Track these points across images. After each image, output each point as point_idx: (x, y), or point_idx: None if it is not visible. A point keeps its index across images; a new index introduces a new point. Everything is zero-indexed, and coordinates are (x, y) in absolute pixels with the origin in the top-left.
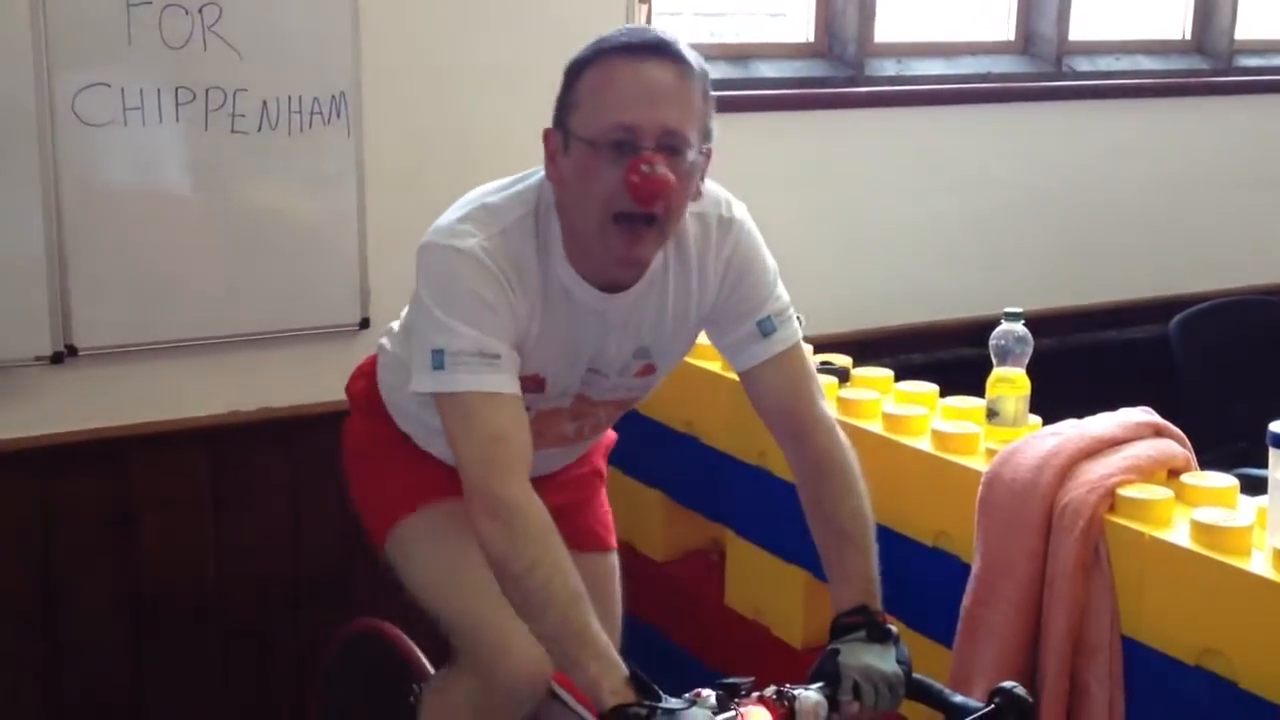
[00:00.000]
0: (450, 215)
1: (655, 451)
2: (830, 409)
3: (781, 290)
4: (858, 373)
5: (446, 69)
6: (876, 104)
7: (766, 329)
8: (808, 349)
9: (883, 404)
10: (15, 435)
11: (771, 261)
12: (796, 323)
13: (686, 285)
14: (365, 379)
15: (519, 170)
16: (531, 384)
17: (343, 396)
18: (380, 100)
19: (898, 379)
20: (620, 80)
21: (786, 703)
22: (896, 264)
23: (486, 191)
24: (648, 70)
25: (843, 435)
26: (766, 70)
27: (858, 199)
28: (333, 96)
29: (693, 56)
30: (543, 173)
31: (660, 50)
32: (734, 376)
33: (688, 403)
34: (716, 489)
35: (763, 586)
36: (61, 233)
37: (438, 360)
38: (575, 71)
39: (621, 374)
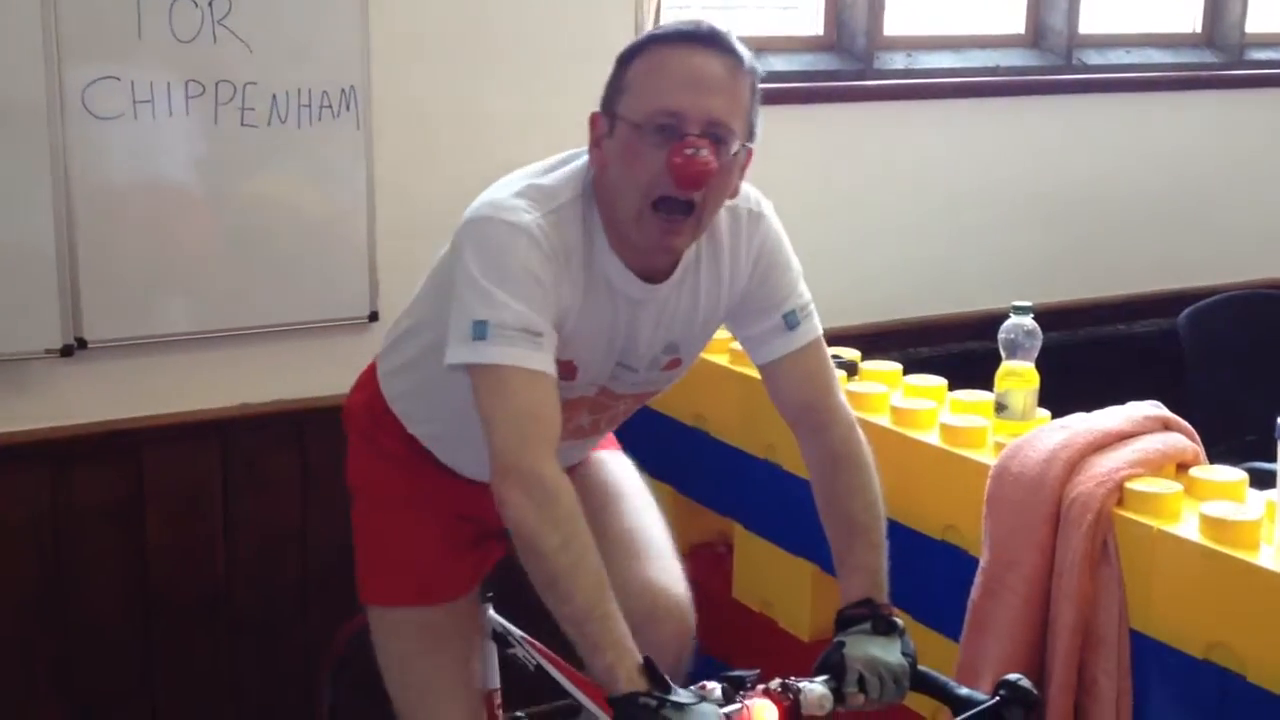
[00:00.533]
0: (501, 191)
1: (664, 445)
2: (847, 403)
3: (804, 288)
4: (866, 366)
5: (456, 62)
6: (886, 97)
7: (791, 322)
8: None
9: (891, 397)
10: (26, 428)
11: (795, 260)
12: (818, 319)
13: (718, 277)
14: (361, 392)
15: (529, 162)
16: (563, 371)
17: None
18: (390, 93)
19: (906, 372)
20: (670, 66)
21: (792, 695)
22: (905, 257)
23: (534, 172)
24: (699, 59)
25: (859, 430)
26: (776, 63)
27: (867, 192)
28: (342, 90)
29: (745, 52)
30: (585, 157)
31: (713, 41)
32: (743, 370)
33: (697, 397)
34: (725, 483)
35: (770, 579)
36: (72, 226)
37: (480, 330)
38: (627, 57)
39: (650, 368)
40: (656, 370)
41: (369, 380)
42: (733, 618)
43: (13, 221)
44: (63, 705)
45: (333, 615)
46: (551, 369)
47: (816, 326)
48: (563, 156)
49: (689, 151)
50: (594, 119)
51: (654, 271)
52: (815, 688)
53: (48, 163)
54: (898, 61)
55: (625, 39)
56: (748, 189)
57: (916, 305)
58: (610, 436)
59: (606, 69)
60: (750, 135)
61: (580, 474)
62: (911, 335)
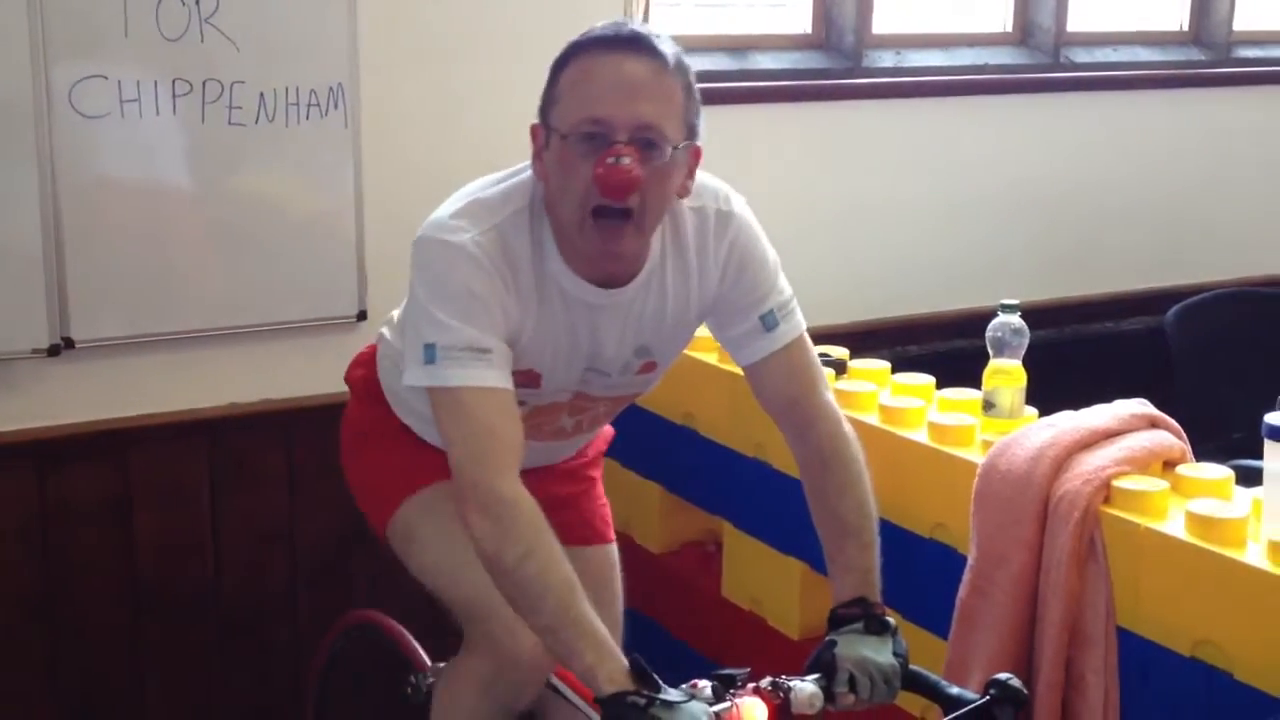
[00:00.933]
0: (444, 210)
1: (653, 443)
2: (834, 400)
3: (784, 283)
4: (854, 364)
5: (444, 60)
6: (874, 95)
7: (769, 323)
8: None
9: (879, 396)
10: (13, 428)
11: (773, 254)
12: (799, 315)
13: (685, 279)
14: (364, 368)
15: (517, 162)
16: (526, 379)
17: (342, 388)
18: (378, 91)
19: (894, 371)
20: (595, 74)
21: (782, 694)
22: (893, 255)
23: (480, 186)
24: (623, 64)
25: (848, 426)
26: (764, 61)
27: (854, 190)
28: (330, 88)
29: (671, 51)
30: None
31: (635, 44)
32: (732, 369)
33: (686, 395)
34: (714, 481)
35: (760, 578)
36: (59, 225)
37: (429, 354)
38: (557, 67)
39: (623, 372)
40: (631, 374)
41: (369, 360)
42: (722, 616)
43: (0, 221)
44: (53, 704)
45: (322, 613)
46: (506, 383)
47: (798, 324)
48: (511, 170)
49: (610, 160)
50: (534, 130)
51: (613, 278)
52: (805, 686)
53: (34, 162)
54: (886, 60)
55: None
56: (716, 185)
57: (904, 303)
58: (607, 430)
59: None
60: (691, 134)
61: (582, 573)
62: (899, 333)
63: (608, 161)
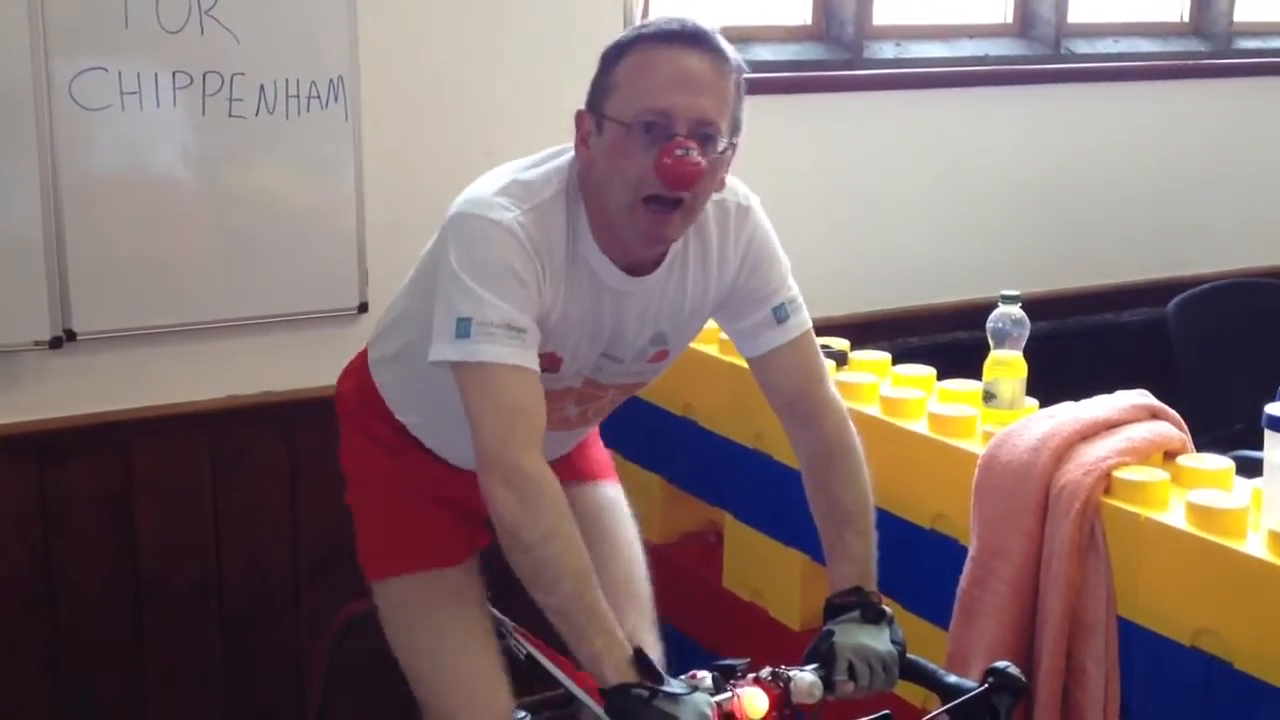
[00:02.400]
0: (485, 187)
1: (653, 435)
2: (839, 394)
3: (793, 282)
4: (855, 356)
5: (444, 52)
6: (874, 87)
7: (781, 315)
8: None
9: (880, 387)
10: (15, 420)
11: (784, 254)
12: (806, 313)
13: (706, 270)
14: (354, 377)
15: (517, 152)
16: (547, 363)
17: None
18: (378, 83)
19: (895, 362)
20: (659, 66)
21: (782, 684)
22: (894, 247)
23: (519, 167)
24: (686, 59)
25: (850, 420)
26: (764, 53)
27: (855, 182)
28: (330, 80)
29: (730, 50)
30: (570, 153)
31: (700, 40)
32: (732, 360)
33: (686, 386)
34: (714, 472)
35: (760, 569)
36: (59, 217)
37: (464, 328)
38: (614, 56)
39: (636, 359)
40: (643, 361)
41: (360, 367)
42: (722, 607)
43: (1, 213)
44: (53, 696)
45: (322, 605)
46: (535, 364)
47: (806, 320)
48: (549, 152)
49: (679, 153)
50: (580, 117)
51: (639, 265)
52: (805, 676)
53: (35, 154)
54: (886, 51)
55: (614, 30)
56: (735, 183)
57: (905, 295)
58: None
59: (594, 59)
60: (735, 131)
61: (581, 514)
62: (900, 325)
63: (676, 154)
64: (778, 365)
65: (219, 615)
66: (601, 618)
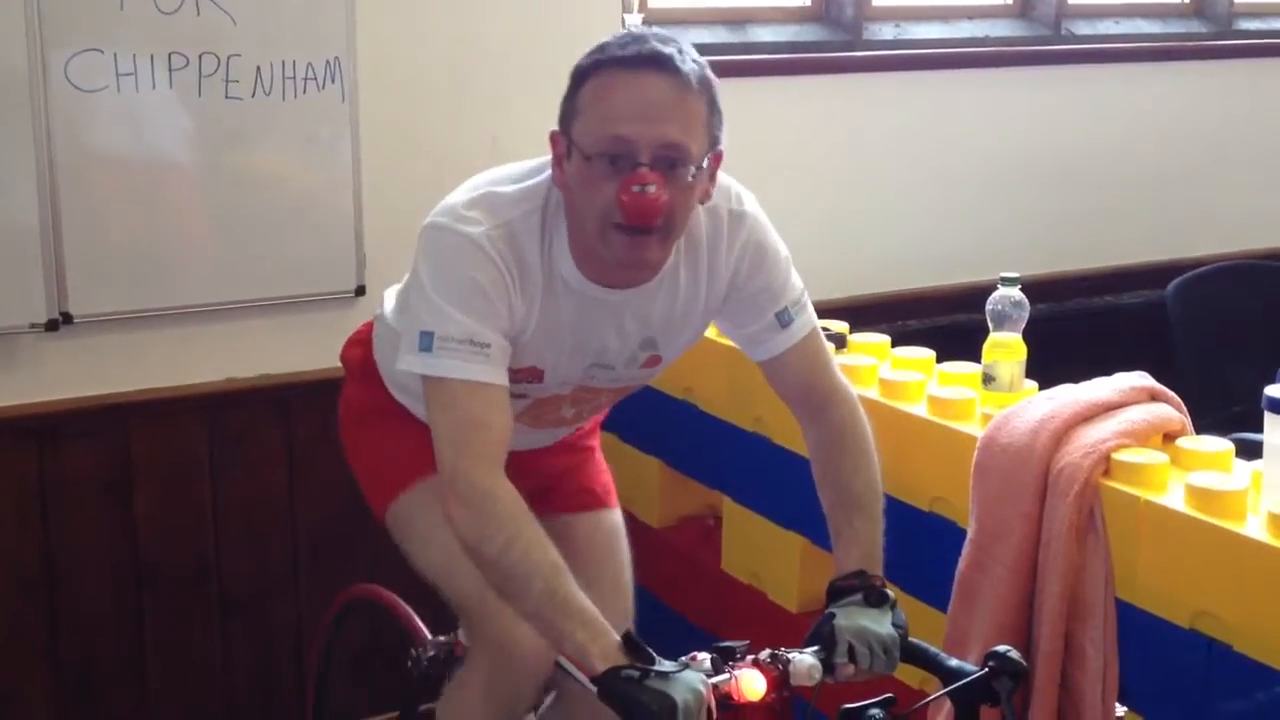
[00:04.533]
0: (457, 198)
1: (652, 418)
2: (847, 381)
3: (796, 279)
4: (854, 338)
5: (441, 33)
6: (874, 69)
7: (784, 320)
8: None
9: (879, 369)
10: (12, 403)
11: (784, 251)
12: (811, 308)
13: (697, 279)
14: (360, 347)
15: (523, 139)
16: (528, 375)
17: (339, 364)
18: (375, 65)
19: (894, 345)
20: (617, 93)
21: (781, 666)
22: (893, 229)
23: (497, 179)
24: (645, 84)
25: (860, 407)
26: (763, 35)
27: (855, 164)
28: (327, 61)
29: (693, 67)
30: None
31: (658, 63)
32: (731, 344)
33: (685, 370)
34: (713, 455)
35: (759, 552)
36: (56, 200)
37: (426, 342)
38: (578, 79)
39: (628, 365)
40: (635, 367)
41: (365, 339)
42: (721, 589)
43: None
44: (53, 680)
45: (322, 588)
46: (500, 379)
47: (811, 318)
48: (532, 166)
49: (635, 189)
50: (553, 138)
51: (629, 282)
52: (804, 658)
53: (31, 136)
54: (886, 32)
55: (612, 19)
56: (728, 184)
57: (904, 277)
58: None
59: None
60: (713, 145)
61: (581, 543)
62: (899, 307)
63: (633, 190)
64: (785, 366)
65: (219, 597)
66: (579, 609)
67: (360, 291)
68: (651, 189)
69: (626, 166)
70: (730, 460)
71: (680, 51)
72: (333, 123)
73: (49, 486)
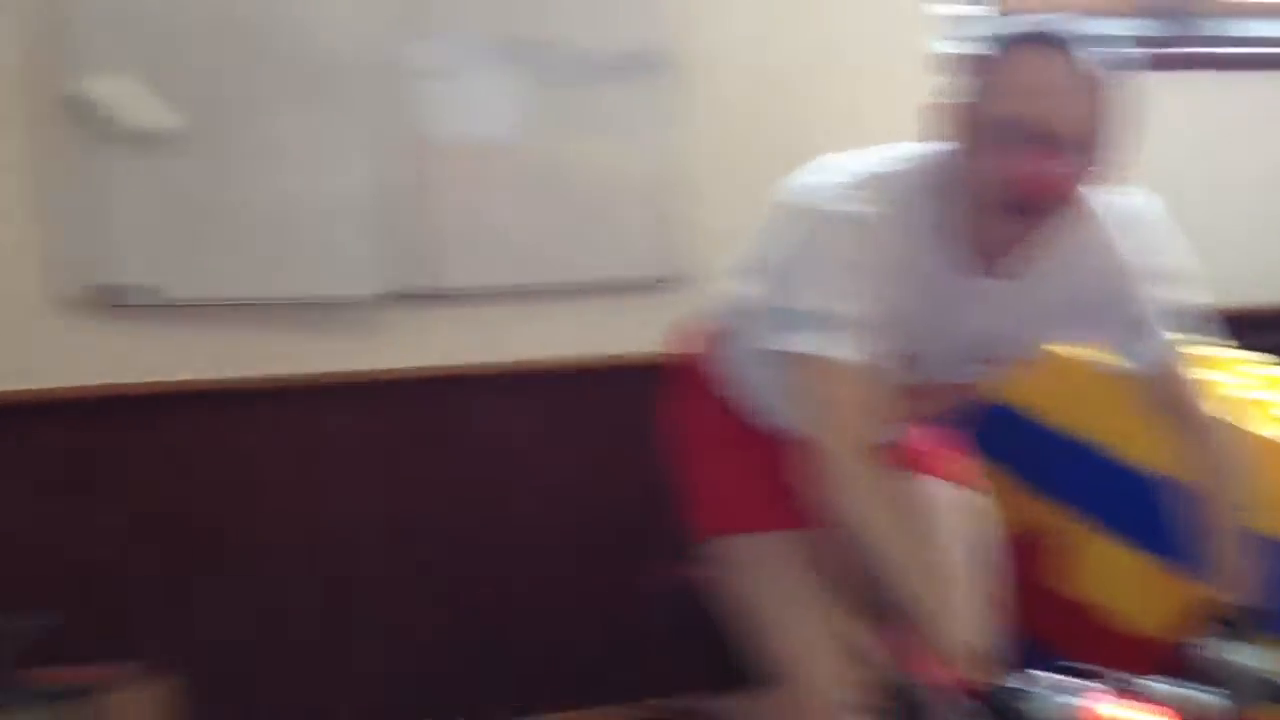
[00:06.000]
0: (838, 178)
1: (1003, 431)
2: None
3: (1183, 288)
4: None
5: (767, 24)
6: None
7: (1162, 329)
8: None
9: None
10: (355, 368)
11: (1175, 259)
12: (1190, 323)
13: (1070, 277)
14: (698, 362)
15: (842, 134)
16: (900, 360)
17: (645, 349)
18: (701, 53)
19: None
20: (1020, 71)
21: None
22: None
23: (872, 162)
24: (1050, 65)
25: (1230, 434)
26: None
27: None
28: (653, 50)
29: (1098, 54)
30: (922, 150)
31: (1066, 46)
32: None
33: (1036, 385)
34: (1058, 470)
35: (1108, 574)
36: (390, 179)
37: (805, 321)
38: (979, 56)
39: (993, 360)
40: (999, 362)
41: (697, 338)
42: (1058, 609)
43: (338, 173)
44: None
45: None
46: (875, 361)
47: (1190, 333)
48: (901, 149)
49: (1038, 167)
50: (936, 112)
51: (999, 266)
52: (1192, 695)
53: (379, 119)
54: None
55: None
56: (1125, 191)
57: None
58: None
59: (919, 50)
60: (1105, 140)
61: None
62: None
63: (1036, 167)
64: (1157, 379)
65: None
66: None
67: (674, 280)
68: (1048, 166)
69: (1030, 144)
70: (1075, 477)
71: (1086, 37)
72: (659, 109)
73: (378, 446)
